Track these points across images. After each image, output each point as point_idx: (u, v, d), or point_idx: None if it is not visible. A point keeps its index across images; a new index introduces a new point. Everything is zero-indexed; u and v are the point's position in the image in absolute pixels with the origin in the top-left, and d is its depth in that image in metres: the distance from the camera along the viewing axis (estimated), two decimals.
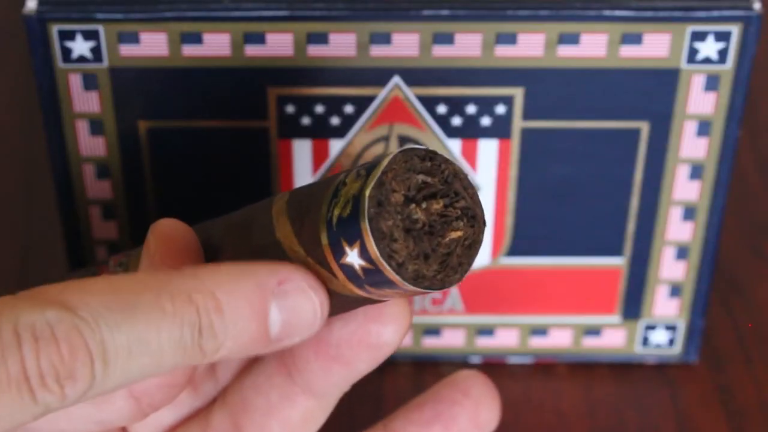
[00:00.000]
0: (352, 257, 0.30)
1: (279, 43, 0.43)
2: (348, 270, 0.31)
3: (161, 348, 0.30)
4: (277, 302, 0.31)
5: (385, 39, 0.43)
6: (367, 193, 0.30)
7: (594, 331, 0.50)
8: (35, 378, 0.28)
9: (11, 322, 0.28)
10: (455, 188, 0.31)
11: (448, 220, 0.31)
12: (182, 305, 0.30)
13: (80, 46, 0.43)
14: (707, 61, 0.43)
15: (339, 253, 0.31)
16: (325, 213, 0.31)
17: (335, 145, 0.45)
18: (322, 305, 0.32)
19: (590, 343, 0.50)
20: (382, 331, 0.34)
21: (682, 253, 0.48)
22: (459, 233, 0.31)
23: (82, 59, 0.43)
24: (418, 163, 0.31)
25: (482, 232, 0.32)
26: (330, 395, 0.36)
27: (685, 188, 0.46)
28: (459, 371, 0.38)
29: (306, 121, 0.45)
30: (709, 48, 0.43)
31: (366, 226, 0.30)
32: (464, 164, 0.46)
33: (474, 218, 0.31)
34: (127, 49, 0.43)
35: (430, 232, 0.31)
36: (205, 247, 0.35)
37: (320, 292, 0.32)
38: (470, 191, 0.31)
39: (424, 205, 0.31)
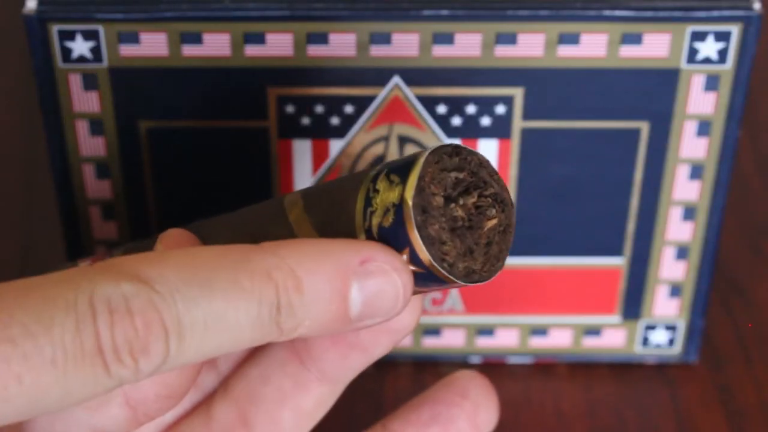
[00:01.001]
0: None
1: (279, 43, 0.43)
2: None
3: (238, 324, 0.29)
4: (359, 283, 0.31)
5: (385, 39, 0.43)
6: (411, 202, 0.30)
7: (594, 331, 0.50)
8: (109, 352, 0.28)
9: (87, 293, 0.28)
10: (482, 177, 0.32)
11: (481, 210, 0.31)
12: (261, 282, 0.30)
13: (80, 46, 0.43)
14: (707, 61, 0.43)
15: None
16: (362, 222, 0.31)
17: (335, 145, 0.45)
18: (405, 288, 0.31)
19: (590, 343, 0.50)
20: (400, 317, 0.34)
21: (682, 253, 0.48)
22: (494, 221, 0.31)
23: (82, 59, 0.43)
24: (447, 160, 0.31)
25: (513, 214, 0.32)
26: (344, 380, 0.36)
27: (685, 188, 0.46)
28: (457, 372, 0.38)
29: (306, 121, 0.45)
30: (709, 48, 0.43)
31: (415, 235, 0.30)
32: None
33: (503, 202, 0.32)
34: (127, 49, 0.43)
35: (470, 227, 0.31)
36: None
37: (404, 274, 0.31)
38: (495, 177, 0.32)
39: (461, 202, 0.31)
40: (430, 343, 0.51)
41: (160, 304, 0.28)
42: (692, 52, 0.43)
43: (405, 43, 0.43)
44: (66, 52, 0.43)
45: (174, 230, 0.35)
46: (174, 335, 0.29)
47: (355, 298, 0.31)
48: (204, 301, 0.29)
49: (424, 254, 0.30)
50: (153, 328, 0.28)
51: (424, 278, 0.31)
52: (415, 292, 0.32)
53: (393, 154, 0.45)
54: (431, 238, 0.30)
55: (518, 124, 0.45)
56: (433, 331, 0.50)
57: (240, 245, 0.31)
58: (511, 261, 0.48)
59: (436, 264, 0.30)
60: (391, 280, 0.31)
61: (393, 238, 0.31)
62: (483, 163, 0.32)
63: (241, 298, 0.29)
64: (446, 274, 0.31)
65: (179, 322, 0.29)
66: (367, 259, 0.31)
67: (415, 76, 0.44)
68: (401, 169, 0.31)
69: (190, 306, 0.29)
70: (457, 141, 0.45)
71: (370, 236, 0.31)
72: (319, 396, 0.36)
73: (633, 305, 0.49)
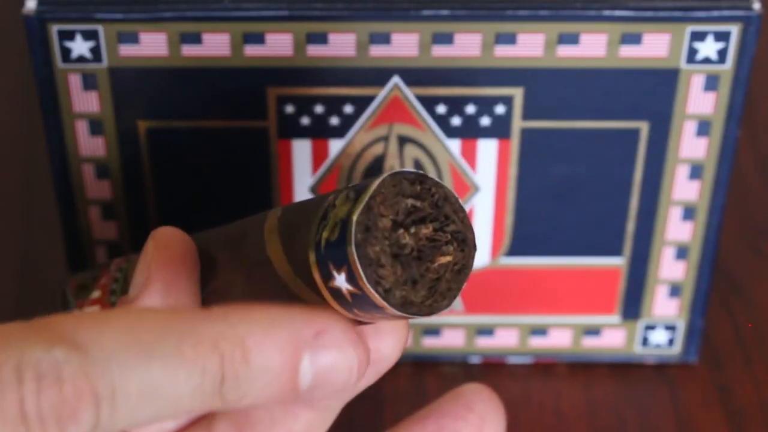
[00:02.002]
0: (340, 281, 0.30)
1: (279, 43, 0.43)
2: (336, 293, 0.30)
3: (177, 394, 0.28)
4: (311, 356, 0.30)
5: (384, 39, 0.43)
6: (355, 218, 0.30)
7: (594, 331, 0.50)
8: (34, 420, 0.27)
9: (15, 357, 0.27)
10: (445, 212, 0.31)
11: (437, 244, 0.31)
12: (205, 352, 0.28)
13: (80, 46, 0.43)
14: (707, 61, 0.43)
15: (327, 276, 0.30)
16: (314, 235, 0.31)
17: (335, 145, 0.45)
18: (360, 363, 0.30)
19: (590, 343, 0.50)
20: (381, 347, 0.34)
21: (682, 253, 0.48)
22: (448, 258, 0.31)
23: (81, 59, 0.43)
24: (407, 186, 0.30)
25: (472, 256, 0.31)
26: (331, 409, 0.36)
27: (684, 188, 0.46)
28: (464, 385, 0.38)
29: (306, 121, 0.45)
30: (708, 48, 0.43)
31: (353, 252, 0.29)
32: (464, 164, 0.46)
33: (464, 242, 0.31)
34: (126, 49, 0.43)
35: (418, 257, 0.30)
36: (201, 257, 0.35)
37: (359, 349, 0.30)
38: (461, 215, 0.31)
39: (412, 230, 0.30)
40: (429, 342, 0.51)
41: (93, 372, 0.27)
42: (692, 52, 0.43)
43: (404, 43, 0.43)
44: (65, 52, 0.43)
45: (166, 228, 0.34)
46: (106, 404, 0.28)
47: (306, 371, 0.30)
48: (141, 369, 0.28)
49: (359, 273, 0.30)
50: (83, 397, 0.27)
51: (361, 301, 0.30)
52: (359, 322, 0.32)
53: (393, 154, 0.45)
54: (369, 259, 0.30)
55: (518, 124, 0.45)
56: (433, 330, 0.50)
57: (190, 311, 0.30)
58: (511, 261, 0.48)
59: (369, 286, 0.30)
60: (345, 355, 0.30)
61: (335, 253, 0.30)
62: (449, 198, 0.31)
63: (182, 367, 0.28)
64: (379, 298, 0.30)
65: (113, 390, 0.28)
66: (322, 332, 0.30)
67: (414, 76, 0.44)
68: (359, 187, 0.30)
69: (126, 374, 0.28)
70: (456, 141, 0.45)
71: (318, 250, 0.30)
72: (308, 422, 0.36)
73: (633, 305, 0.49)
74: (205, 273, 0.35)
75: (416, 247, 0.30)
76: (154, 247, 0.34)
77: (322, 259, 0.30)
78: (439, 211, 0.31)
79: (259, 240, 0.33)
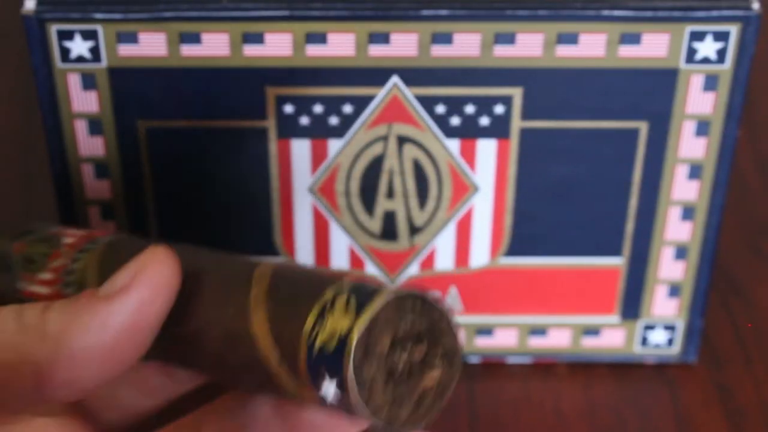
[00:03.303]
0: (329, 385, 0.31)
1: (278, 43, 0.43)
2: (323, 394, 0.31)
3: None
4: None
5: (383, 39, 0.43)
6: (355, 339, 0.30)
7: (593, 331, 0.50)
8: None
9: None
10: (441, 326, 0.31)
11: (428, 362, 0.31)
12: None
13: (79, 46, 0.43)
14: (706, 61, 0.43)
15: (316, 376, 0.31)
16: (308, 332, 0.31)
17: (334, 145, 0.45)
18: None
19: (589, 343, 0.50)
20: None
21: (681, 253, 0.48)
22: (436, 378, 0.31)
23: (80, 59, 0.43)
24: (408, 306, 0.31)
25: (457, 373, 0.32)
26: None
27: (684, 188, 0.46)
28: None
29: (305, 120, 0.45)
30: (707, 48, 0.43)
31: (350, 372, 0.30)
32: (463, 164, 0.46)
33: (453, 359, 0.32)
34: (125, 49, 0.43)
35: (409, 375, 0.31)
36: (183, 287, 0.35)
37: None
38: (455, 330, 0.32)
39: (408, 348, 0.31)
40: None
41: None
42: (691, 52, 0.43)
43: (404, 42, 0.43)
44: (65, 52, 0.43)
45: (168, 253, 0.34)
46: None
47: None
48: None
49: (353, 392, 0.30)
50: None
51: (346, 406, 0.31)
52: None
53: (392, 154, 0.45)
54: (363, 380, 0.30)
55: (517, 124, 0.45)
56: None
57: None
58: (511, 261, 0.48)
59: (360, 405, 0.30)
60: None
61: (330, 364, 0.31)
62: (444, 314, 0.32)
63: None
64: (368, 414, 0.30)
65: None
66: None
67: (414, 75, 0.44)
68: (361, 299, 0.31)
69: None
70: (456, 141, 0.45)
71: (311, 349, 0.31)
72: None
73: (632, 305, 0.49)
74: (183, 308, 0.34)
75: (408, 367, 0.31)
76: (149, 261, 0.33)
77: (315, 361, 0.31)
78: (434, 326, 0.31)
79: (244, 309, 0.33)
